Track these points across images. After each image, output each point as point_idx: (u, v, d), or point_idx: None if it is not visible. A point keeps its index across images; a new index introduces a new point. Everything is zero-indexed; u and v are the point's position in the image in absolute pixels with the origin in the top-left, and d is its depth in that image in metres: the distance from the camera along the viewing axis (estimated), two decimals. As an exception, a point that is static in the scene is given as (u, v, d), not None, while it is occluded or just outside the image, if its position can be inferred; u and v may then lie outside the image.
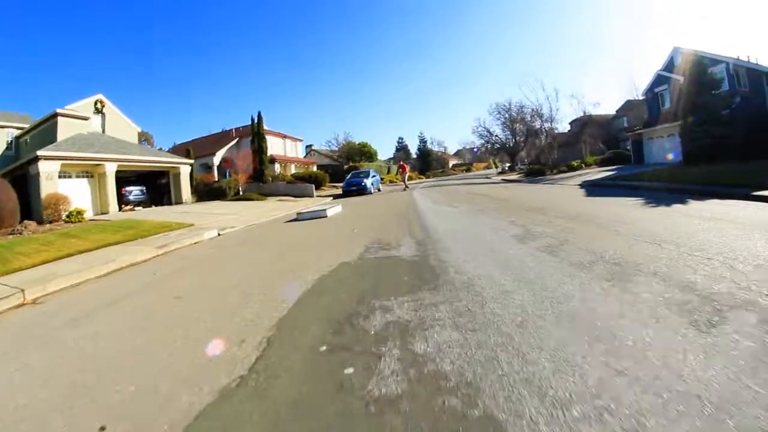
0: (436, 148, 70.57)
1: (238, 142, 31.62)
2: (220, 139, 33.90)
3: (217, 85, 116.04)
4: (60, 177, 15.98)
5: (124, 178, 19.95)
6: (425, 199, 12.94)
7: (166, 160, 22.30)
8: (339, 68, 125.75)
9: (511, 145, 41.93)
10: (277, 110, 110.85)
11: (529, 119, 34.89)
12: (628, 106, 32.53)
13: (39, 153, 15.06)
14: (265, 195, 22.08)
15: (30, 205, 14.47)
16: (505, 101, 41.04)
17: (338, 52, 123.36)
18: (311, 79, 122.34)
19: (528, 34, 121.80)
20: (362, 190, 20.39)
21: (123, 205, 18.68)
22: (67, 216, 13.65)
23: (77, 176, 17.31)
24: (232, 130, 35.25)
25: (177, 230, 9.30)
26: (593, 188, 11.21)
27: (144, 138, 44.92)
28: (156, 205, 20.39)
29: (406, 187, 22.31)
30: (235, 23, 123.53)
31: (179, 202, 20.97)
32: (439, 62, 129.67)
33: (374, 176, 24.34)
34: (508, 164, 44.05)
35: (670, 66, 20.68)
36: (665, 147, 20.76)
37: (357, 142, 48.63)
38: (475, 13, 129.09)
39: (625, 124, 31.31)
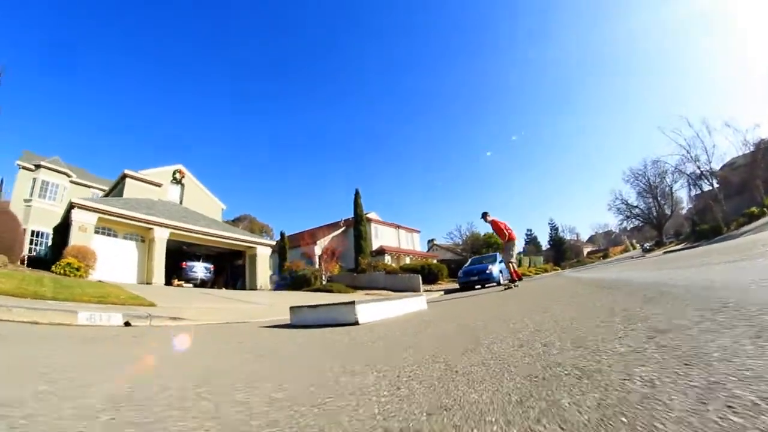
0: (567, 236, 65.48)
1: (344, 231, 29.86)
2: (329, 228, 32.11)
3: (348, 181, 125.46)
4: (101, 233, 14.97)
5: (192, 254, 18.73)
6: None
7: (239, 238, 19.44)
8: (460, 162, 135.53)
9: (656, 213, 35.76)
10: (399, 203, 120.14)
11: (673, 174, 29.29)
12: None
13: (73, 200, 14.20)
14: (356, 287, 17.95)
15: (60, 253, 13.28)
16: (639, 164, 36.99)
17: (464, 147, 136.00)
18: (435, 167, 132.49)
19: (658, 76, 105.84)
20: (486, 280, 13.53)
21: (177, 280, 16.61)
22: (65, 267, 12.11)
23: (124, 237, 15.98)
24: (341, 220, 32.86)
25: (117, 307, 5.61)
26: None
27: (264, 230, 42.68)
28: (226, 288, 18.10)
29: (515, 278, 8.49)
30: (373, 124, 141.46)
31: (254, 287, 18.26)
32: (565, 149, 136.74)
33: (502, 263, 13.97)
34: (651, 242, 37.76)
35: None
36: None
37: (482, 234, 41.75)
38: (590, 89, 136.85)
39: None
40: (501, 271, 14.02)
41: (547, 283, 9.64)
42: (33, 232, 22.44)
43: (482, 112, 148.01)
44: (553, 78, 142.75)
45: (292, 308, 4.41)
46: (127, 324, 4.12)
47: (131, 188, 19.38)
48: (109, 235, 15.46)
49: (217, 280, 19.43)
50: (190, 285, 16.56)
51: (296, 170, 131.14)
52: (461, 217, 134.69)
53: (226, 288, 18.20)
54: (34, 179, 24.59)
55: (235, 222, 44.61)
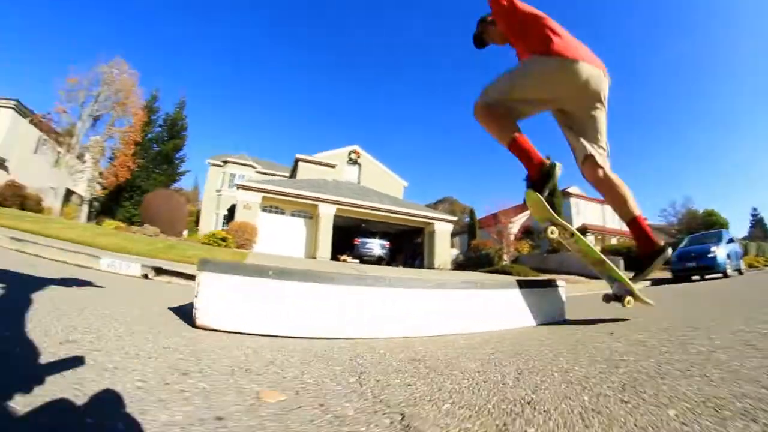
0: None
1: None
2: (524, 205, 27.79)
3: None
4: (269, 211, 16.32)
5: (369, 231, 18.51)
6: None
7: (415, 213, 18.39)
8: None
9: None
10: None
11: None
12: None
13: (237, 183, 16.15)
14: (543, 270, 15.13)
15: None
16: None
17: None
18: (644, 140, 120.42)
19: None
20: (707, 267, 9.88)
21: (348, 256, 16.57)
22: (210, 237, 13.19)
23: (291, 214, 17.06)
24: None
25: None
26: None
27: (465, 212, 39.75)
28: (404, 266, 17.45)
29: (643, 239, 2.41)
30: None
31: (432, 266, 17.36)
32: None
33: (732, 243, 11.42)
34: None
35: None
36: None
37: (701, 211, 34.49)
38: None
39: None
40: (729, 256, 10.19)
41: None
42: (222, 215, 26.68)
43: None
44: None
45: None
46: (145, 276, 3.86)
47: (304, 171, 20.56)
48: (276, 212, 16.67)
49: (396, 258, 18.86)
50: (357, 261, 15.86)
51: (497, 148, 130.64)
52: (676, 190, 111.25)
53: (404, 266, 17.44)
54: (223, 173, 29.22)
55: (437, 204, 45.95)
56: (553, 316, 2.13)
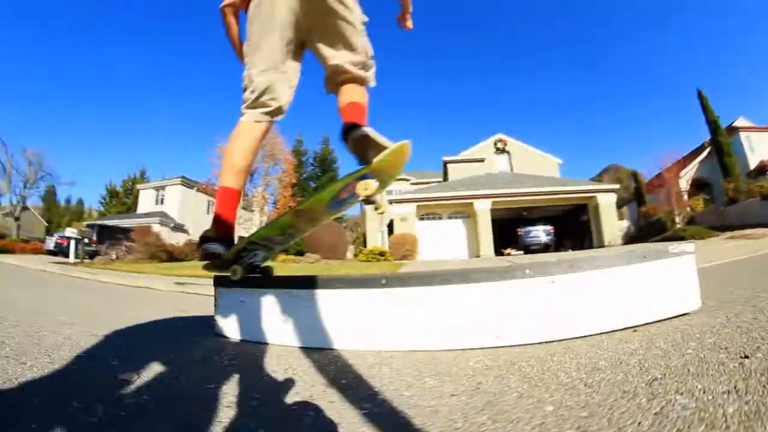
0: None
1: (710, 154, 20.09)
2: (691, 156, 22.03)
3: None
4: (426, 219, 16.48)
5: (530, 219, 17.78)
6: None
7: (570, 190, 17.19)
8: None
9: None
10: None
11: None
12: None
13: (389, 198, 15.87)
14: (722, 228, 12.43)
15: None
16: None
17: None
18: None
19: None
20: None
21: (511, 249, 15.90)
22: (367, 254, 13.48)
23: (449, 217, 16.81)
24: (705, 140, 21.58)
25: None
26: None
27: (633, 177, 38.25)
28: (573, 249, 16.23)
29: None
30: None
31: (601, 244, 15.76)
32: None
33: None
34: None
35: None
36: None
37: None
38: None
39: None
40: None
41: None
42: (386, 233, 27.65)
43: None
44: None
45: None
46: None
47: (454, 171, 20.54)
48: (432, 219, 16.78)
49: (563, 243, 17.56)
50: (521, 252, 15.32)
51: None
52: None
53: (572, 249, 16.25)
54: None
55: (600, 176, 42.07)
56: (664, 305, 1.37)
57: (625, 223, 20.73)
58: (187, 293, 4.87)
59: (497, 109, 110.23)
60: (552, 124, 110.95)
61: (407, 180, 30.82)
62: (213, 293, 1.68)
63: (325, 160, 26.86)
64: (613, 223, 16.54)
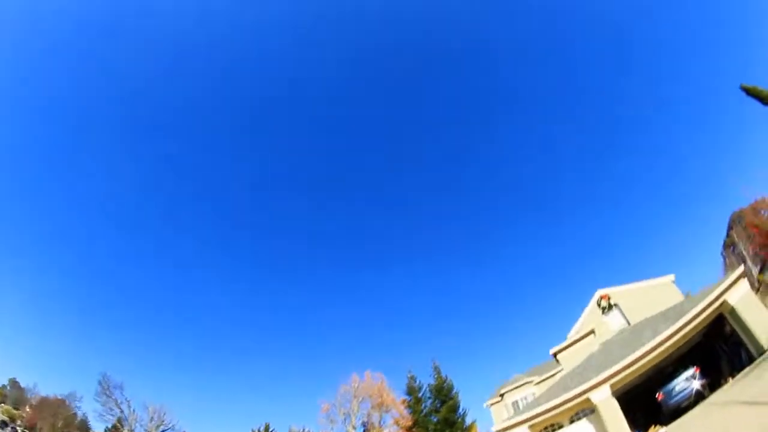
0: None
1: None
2: None
3: None
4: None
5: (665, 374, 14.23)
6: None
7: (695, 313, 13.07)
8: None
9: None
10: None
11: None
12: None
13: (492, 429, 15.13)
14: None
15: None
16: None
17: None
18: None
19: None
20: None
21: (658, 427, 12.94)
22: None
23: (571, 421, 14.54)
24: None
25: None
26: None
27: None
28: (732, 376, 12.71)
29: None
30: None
31: (761, 350, 12.09)
32: None
33: None
34: None
35: None
36: None
37: None
38: None
39: None
40: None
41: None
42: None
43: None
44: None
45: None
46: None
47: (566, 359, 18.13)
48: (556, 429, 14.80)
49: (719, 370, 13.85)
50: (668, 418, 12.80)
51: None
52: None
53: (732, 376, 12.65)
54: (505, 405, 26.55)
55: (729, 237, 33.17)
56: None
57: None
58: None
59: (585, 265, 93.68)
60: (643, 243, 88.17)
61: (530, 382, 27.05)
62: None
63: (441, 390, 26.12)
64: (761, 317, 12.70)
